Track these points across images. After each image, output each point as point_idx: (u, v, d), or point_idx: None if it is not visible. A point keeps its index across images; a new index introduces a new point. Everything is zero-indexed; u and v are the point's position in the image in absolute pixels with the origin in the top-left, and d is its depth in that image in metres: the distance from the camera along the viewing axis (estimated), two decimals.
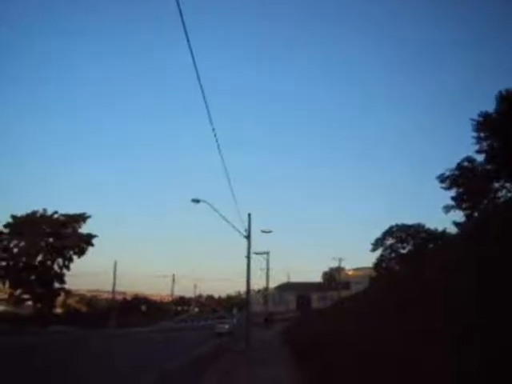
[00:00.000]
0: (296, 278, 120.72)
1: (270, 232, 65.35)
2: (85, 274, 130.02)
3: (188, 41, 11.55)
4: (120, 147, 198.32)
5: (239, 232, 38.98)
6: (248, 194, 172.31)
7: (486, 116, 42.06)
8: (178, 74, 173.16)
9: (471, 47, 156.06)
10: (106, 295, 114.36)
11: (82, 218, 70.88)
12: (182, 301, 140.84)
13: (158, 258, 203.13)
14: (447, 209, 49.85)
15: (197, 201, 36.75)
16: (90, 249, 71.12)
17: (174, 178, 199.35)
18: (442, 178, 48.36)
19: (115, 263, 79.29)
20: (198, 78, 13.83)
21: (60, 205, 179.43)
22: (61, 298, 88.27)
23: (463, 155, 47.76)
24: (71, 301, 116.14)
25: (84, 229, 71.42)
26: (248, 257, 40.00)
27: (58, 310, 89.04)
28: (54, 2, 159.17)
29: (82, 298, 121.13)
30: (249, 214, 40.22)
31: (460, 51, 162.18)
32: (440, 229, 63.70)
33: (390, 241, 66.81)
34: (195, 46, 12.18)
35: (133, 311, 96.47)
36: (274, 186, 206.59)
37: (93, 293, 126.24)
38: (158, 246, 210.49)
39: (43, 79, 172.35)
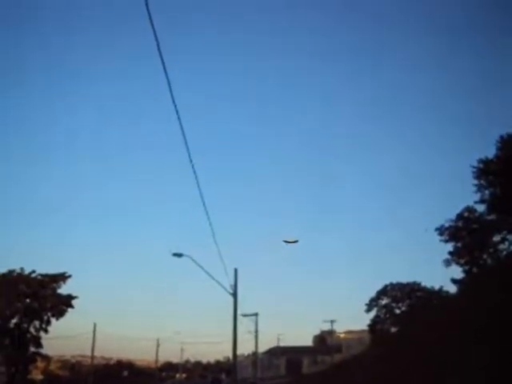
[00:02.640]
0: (286, 342, 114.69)
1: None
2: (66, 338, 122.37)
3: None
4: (101, 207, 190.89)
5: (225, 289, 34.91)
6: (234, 252, 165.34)
7: (486, 162, 38.88)
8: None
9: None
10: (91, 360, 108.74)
11: (61, 277, 65.95)
12: (168, 366, 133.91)
13: (142, 320, 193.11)
14: (447, 262, 46.12)
15: (179, 255, 32.95)
16: (70, 310, 65.85)
17: (157, 230, 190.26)
18: (441, 230, 44.97)
19: (94, 325, 74.10)
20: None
21: (38, 263, 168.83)
22: (42, 364, 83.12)
23: (464, 205, 44.87)
24: (53, 366, 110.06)
25: (64, 289, 66.40)
26: (234, 315, 35.65)
27: (39, 377, 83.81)
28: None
29: (64, 364, 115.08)
30: (235, 269, 36.17)
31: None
32: (438, 286, 60.55)
33: (384, 300, 62.58)
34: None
35: (113, 377, 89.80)
36: (260, 246, 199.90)
37: (78, 358, 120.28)
38: (141, 308, 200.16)
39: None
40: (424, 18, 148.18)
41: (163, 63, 10.19)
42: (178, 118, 12.46)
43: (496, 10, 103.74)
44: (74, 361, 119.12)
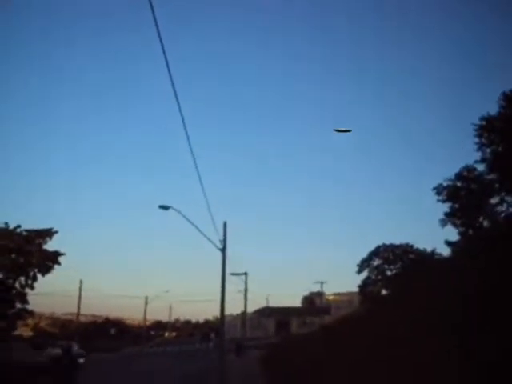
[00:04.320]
0: (276, 302, 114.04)
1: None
2: (55, 295, 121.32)
3: None
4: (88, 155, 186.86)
5: (213, 244, 32.75)
6: (224, 209, 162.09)
7: (488, 119, 36.47)
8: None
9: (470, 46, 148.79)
10: (83, 318, 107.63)
11: (48, 233, 63.56)
12: (157, 325, 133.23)
13: (132, 278, 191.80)
14: (444, 222, 44.03)
15: (166, 207, 30.79)
16: (57, 267, 63.74)
17: (145, 180, 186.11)
18: (438, 190, 42.72)
19: (80, 283, 72.57)
20: None
21: (24, 217, 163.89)
22: (33, 322, 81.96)
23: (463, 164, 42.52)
24: (43, 324, 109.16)
25: (50, 245, 64.12)
26: (223, 272, 33.60)
27: (29, 333, 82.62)
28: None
29: (54, 321, 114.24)
30: (224, 223, 34.05)
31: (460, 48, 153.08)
32: (431, 248, 59.05)
33: (376, 261, 60.90)
34: None
35: (100, 335, 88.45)
36: (251, 204, 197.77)
37: (68, 316, 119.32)
38: (132, 266, 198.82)
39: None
40: None
41: None
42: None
43: None
44: (64, 318, 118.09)
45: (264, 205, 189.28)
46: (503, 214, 39.38)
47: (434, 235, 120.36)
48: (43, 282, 67.04)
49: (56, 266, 64.07)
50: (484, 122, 37.05)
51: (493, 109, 37.21)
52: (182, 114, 15.04)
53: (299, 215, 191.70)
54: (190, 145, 19.03)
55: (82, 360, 47.41)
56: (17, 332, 68.30)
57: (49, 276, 63.68)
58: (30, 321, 77.05)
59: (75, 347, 51.76)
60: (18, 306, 62.28)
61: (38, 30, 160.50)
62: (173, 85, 12.84)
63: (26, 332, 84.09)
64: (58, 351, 41.14)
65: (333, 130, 20.15)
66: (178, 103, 14.05)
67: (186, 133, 17.22)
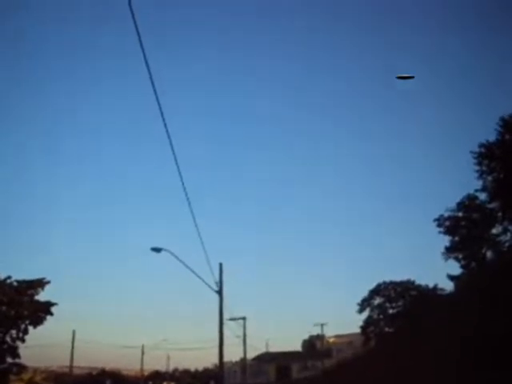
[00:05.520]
0: (276, 346, 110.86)
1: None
2: (48, 347, 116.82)
3: None
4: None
5: (209, 286, 31.05)
6: (220, 253, 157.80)
7: (488, 146, 35.37)
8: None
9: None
10: (79, 371, 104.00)
11: (39, 283, 61.58)
12: (156, 375, 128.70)
13: (127, 327, 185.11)
14: (446, 255, 42.45)
15: (158, 250, 29.32)
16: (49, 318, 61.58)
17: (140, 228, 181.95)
18: (440, 221, 41.26)
19: (73, 333, 69.98)
20: None
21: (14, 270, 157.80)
22: (27, 376, 78.85)
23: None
24: (39, 377, 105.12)
25: (42, 296, 62.03)
26: (220, 315, 31.80)
27: None
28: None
29: (49, 375, 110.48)
30: (220, 264, 32.50)
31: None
32: (434, 284, 56.37)
33: (377, 300, 58.79)
34: None
35: None
36: (249, 249, 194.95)
37: (64, 368, 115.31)
38: (127, 314, 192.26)
39: None
40: None
41: None
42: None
43: None
44: (60, 371, 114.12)
45: (262, 247, 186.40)
46: (507, 244, 38.00)
47: (437, 268, 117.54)
48: (38, 334, 63.95)
49: (49, 317, 62.42)
50: (483, 149, 35.97)
51: (491, 135, 36.19)
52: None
53: (298, 257, 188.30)
54: (184, 190, 17.77)
55: None
56: None
57: (43, 327, 61.82)
58: (24, 375, 73.65)
59: None
60: (9, 360, 59.86)
61: None
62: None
63: None
64: None
65: (395, 76, 19.12)
66: (171, 143, 12.93)
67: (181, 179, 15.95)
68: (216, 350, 32.17)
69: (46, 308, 61.37)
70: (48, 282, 62.41)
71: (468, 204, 39.98)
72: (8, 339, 59.48)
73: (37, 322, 60.56)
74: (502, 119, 34.48)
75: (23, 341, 59.85)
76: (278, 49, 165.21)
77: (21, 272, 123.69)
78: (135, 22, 9.24)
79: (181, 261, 28.57)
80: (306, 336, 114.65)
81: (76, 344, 72.53)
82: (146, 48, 9.89)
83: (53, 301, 62.36)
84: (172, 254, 28.77)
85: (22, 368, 63.86)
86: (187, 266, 28.56)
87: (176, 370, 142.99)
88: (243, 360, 71.94)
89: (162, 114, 12.54)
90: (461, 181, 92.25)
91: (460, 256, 42.77)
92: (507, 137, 33.84)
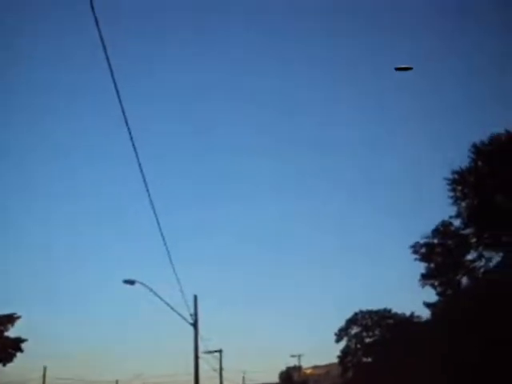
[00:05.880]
0: (252, 378, 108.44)
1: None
2: None
3: None
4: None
5: (183, 318, 30.27)
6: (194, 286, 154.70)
7: (460, 173, 35.89)
8: None
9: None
10: None
11: (9, 318, 59.59)
12: None
13: (102, 362, 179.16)
14: (422, 282, 42.45)
15: (131, 282, 28.46)
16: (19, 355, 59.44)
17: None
18: (415, 248, 41.27)
19: (44, 369, 67.30)
20: None
21: None
22: None
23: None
24: None
25: (12, 332, 59.98)
26: (195, 348, 30.97)
27: None
28: None
29: None
30: (195, 296, 31.70)
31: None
32: (411, 311, 56.58)
33: (354, 329, 58.46)
34: None
35: None
36: (224, 281, 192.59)
37: None
38: (99, 348, 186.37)
39: None
40: None
41: None
42: None
43: None
44: None
45: (236, 280, 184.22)
46: (482, 270, 38.27)
47: (414, 296, 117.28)
48: (8, 372, 61.59)
49: (19, 354, 60.36)
50: (456, 176, 36.40)
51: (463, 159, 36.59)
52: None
53: (273, 288, 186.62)
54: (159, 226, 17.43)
55: None
56: None
57: (13, 365, 59.70)
58: None
59: None
60: None
61: None
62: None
63: None
64: None
65: (394, 68, 18.82)
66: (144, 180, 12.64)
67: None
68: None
69: (15, 344, 59.33)
70: (19, 317, 60.36)
71: (443, 230, 40.04)
72: None
73: (6, 358, 58.48)
74: (475, 146, 34.99)
75: None
76: None
77: None
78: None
79: (155, 293, 27.73)
80: (283, 367, 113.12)
81: (47, 381, 69.56)
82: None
83: (23, 337, 60.30)
84: (146, 286, 28.01)
85: None
86: (161, 298, 27.73)
87: None
88: None
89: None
90: (437, 206, 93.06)
91: (436, 283, 42.62)
92: (479, 163, 34.40)
